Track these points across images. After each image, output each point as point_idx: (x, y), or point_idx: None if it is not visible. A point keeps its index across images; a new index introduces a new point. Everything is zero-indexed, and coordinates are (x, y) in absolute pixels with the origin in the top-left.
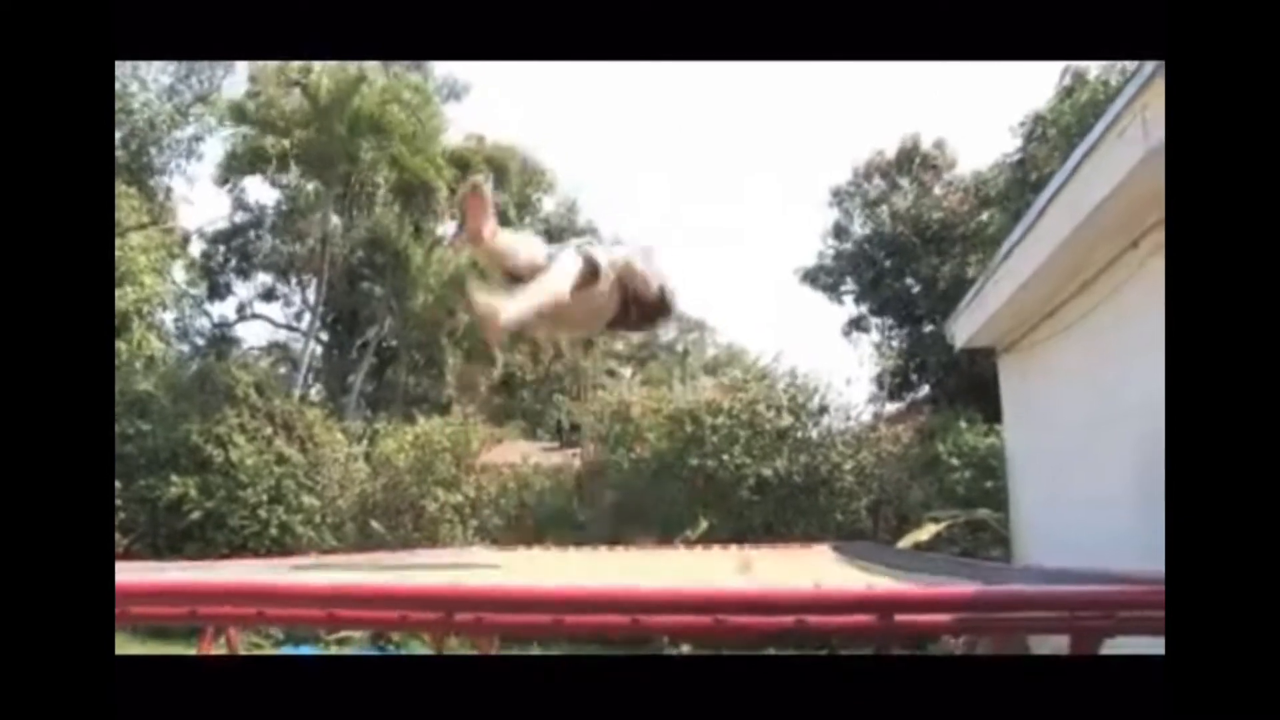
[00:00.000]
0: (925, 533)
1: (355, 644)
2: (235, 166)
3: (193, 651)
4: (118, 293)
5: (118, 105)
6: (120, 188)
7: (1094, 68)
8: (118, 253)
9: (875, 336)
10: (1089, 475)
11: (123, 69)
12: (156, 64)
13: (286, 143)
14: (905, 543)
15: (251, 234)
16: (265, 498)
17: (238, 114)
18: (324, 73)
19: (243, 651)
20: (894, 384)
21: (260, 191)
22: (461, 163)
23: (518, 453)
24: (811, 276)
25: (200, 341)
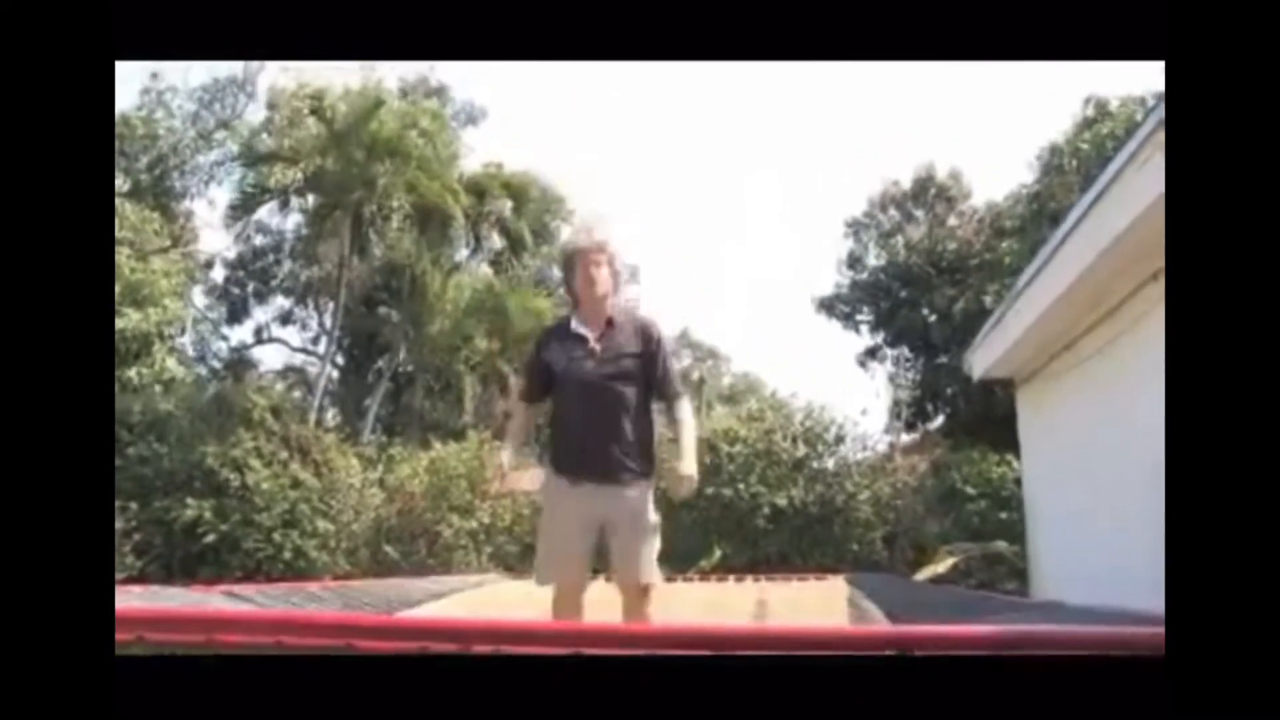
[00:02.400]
0: (942, 565)
1: None
2: (247, 207)
3: None
4: (139, 315)
5: (143, 131)
6: (143, 212)
7: (1115, 99)
8: (140, 275)
9: (890, 367)
10: (1107, 506)
11: (149, 95)
12: (182, 89)
13: (300, 173)
14: (923, 576)
15: (270, 257)
16: (280, 522)
17: (249, 154)
18: (341, 98)
19: None
20: (909, 414)
21: (279, 217)
22: (479, 189)
23: (534, 480)
24: (827, 306)
25: (217, 365)
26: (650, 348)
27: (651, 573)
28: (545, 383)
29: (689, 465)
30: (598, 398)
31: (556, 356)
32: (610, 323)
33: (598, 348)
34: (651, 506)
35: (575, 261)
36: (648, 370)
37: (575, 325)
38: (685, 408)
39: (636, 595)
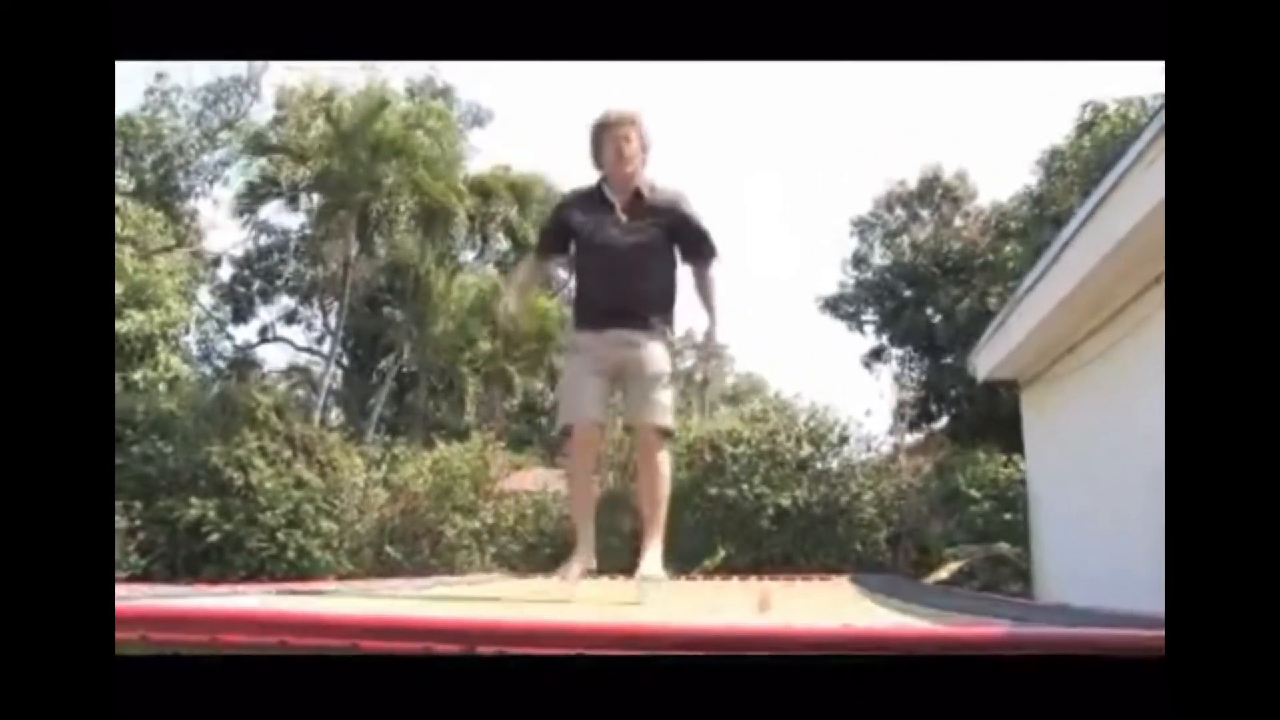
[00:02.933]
0: (945, 571)
1: None
2: (256, 197)
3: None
4: (143, 316)
5: (148, 130)
6: (148, 211)
7: (1113, 101)
8: (144, 275)
9: (895, 367)
10: (1111, 509)
11: (153, 95)
12: (187, 89)
13: (307, 170)
14: (929, 581)
15: (275, 257)
16: (283, 521)
17: (257, 144)
18: (347, 98)
19: None
20: (913, 415)
21: (284, 216)
22: (484, 190)
23: (537, 480)
24: (832, 305)
25: (222, 364)
26: (679, 217)
27: (667, 417)
28: (562, 241)
29: (717, 334)
30: (621, 264)
31: (581, 219)
32: (638, 193)
33: (623, 217)
34: (669, 361)
35: (603, 135)
36: (677, 236)
37: (605, 191)
38: (716, 279)
39: (652, 440)
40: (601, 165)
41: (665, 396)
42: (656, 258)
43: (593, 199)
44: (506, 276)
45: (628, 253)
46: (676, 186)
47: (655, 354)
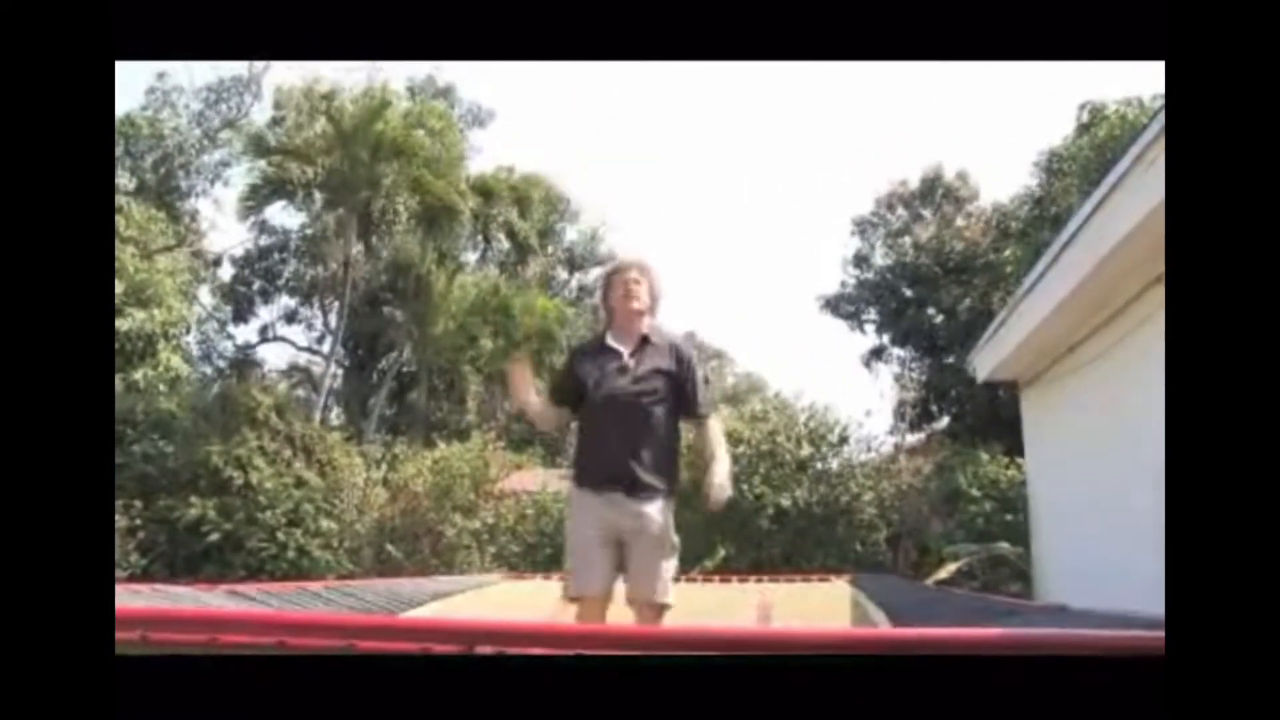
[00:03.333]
0: (945, 571)
1: None
2: (258, 199)
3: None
4: (144, 315)
5: (149, 130)
6: (149, 211)
7: (1113, 102)
8: (145, 275)
9: (895, 367)
10: (1111, 509)
11: (154, 95)
12: (188, 89)
13: (310, 170)
14: (929, 581)
15: (276, 257)
16: (283, 521)
17: (258, 146)
18: (348, 99)
19: None
20: (914, 415)
21: (285, 216)
22: (485, 190)
23: (537, 480)
24: (833, 305)
25: (222, 364)
26: (682, 368)
27: (666, 592)
28: (574, 393)
29: (721, 474)
30: (627, 413)
31: (590, 371)
32: (644, 340)
33: (631, 364)
34: (671, 526)
35: (614, 278)
36: (678, 390)
37: (610, 340)
38: (715, 425)
39: (650, 615)
40: (609, 305)
41: (667, 569)
42: (660, 409)
43: (600, 349)
44: (507, 276)
45: (632, 404)
46: (678, 336)
47: (655, 521)
